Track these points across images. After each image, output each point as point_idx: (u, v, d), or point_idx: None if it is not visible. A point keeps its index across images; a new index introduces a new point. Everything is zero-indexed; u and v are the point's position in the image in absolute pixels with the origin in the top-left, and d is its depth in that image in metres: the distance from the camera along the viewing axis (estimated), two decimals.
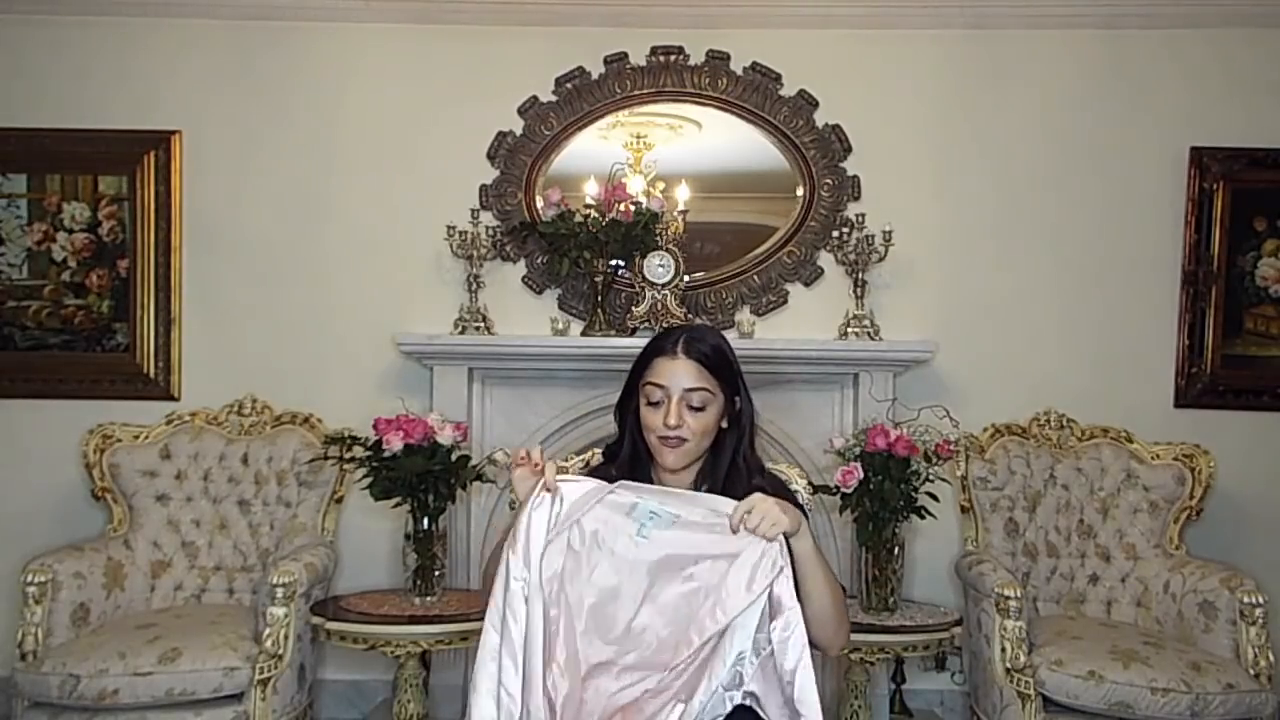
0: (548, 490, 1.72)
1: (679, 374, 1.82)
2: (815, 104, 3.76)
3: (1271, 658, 2.94)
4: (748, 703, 1.62)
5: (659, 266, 3.56)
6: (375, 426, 3.10)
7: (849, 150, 3.76)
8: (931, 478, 3.22)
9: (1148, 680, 2.80)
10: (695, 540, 1.68)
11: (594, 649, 1.66)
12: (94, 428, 3.49)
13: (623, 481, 1.76)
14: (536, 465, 1.75)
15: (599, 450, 2.10)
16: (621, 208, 3.54)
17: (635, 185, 3.67)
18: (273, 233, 3.76)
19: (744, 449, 1.90)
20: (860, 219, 3.64)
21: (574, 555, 1.69)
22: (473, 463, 3.21)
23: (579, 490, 1.74)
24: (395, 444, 3.04)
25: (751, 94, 3.75)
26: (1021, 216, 3.76)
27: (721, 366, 1.85)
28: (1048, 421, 3.60)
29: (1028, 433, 3.59)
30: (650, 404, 1.84)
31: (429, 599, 3.16)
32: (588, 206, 3.58)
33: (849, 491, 3.14)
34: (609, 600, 1.68)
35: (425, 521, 3.15)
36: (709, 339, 1.87)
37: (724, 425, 1.88)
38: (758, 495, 1.69)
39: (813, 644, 1.70)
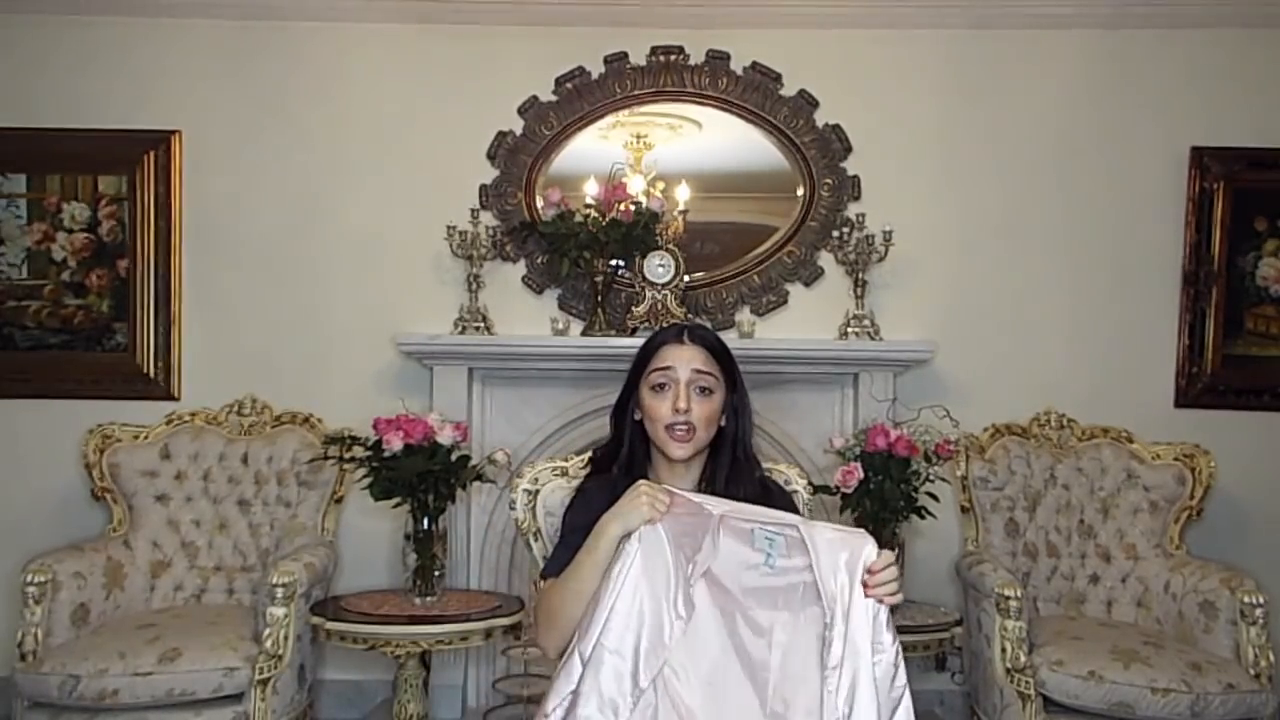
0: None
1: (686, 357, 1.84)
2: (815, 104, 3.75)
3: (1272, 658, 2.93)
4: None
5: (659, 266, 3.56)
6: (375, 426, 3.09)
7: (849, 150, 3.76)
8: (931, 478, 3.22)
9: (1148, 680, 2.80)
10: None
11: None
12: (94, 428, 3.49)
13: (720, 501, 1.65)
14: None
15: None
16: (621, 208, 3.54)
17: (635, 185, 3.67)
18: (273, 233, 3.76)
19: (744, 441, 1.91)
20: (860, 219, 3.64)
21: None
22: (473, 463, 3.20)
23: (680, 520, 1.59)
24: (395, 444, 3.03)
25: (751, 94, 3.75)
26: (1022, 216, 3.76)
27: (723, 355, 1.89)
28: (1048, 421, 3.60)
29: (1028, 433, 3.59)
30: (655, 390, 1.83)
31: (429, 599, 3.15)
32: (588, 206, 3.58)
33: (849, 492, 3.14)
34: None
35: (425, 521, 3.15)
36: (708, 330, 1.93)
37: (722, 423, 1.88)
38: (888, 554, 1.59)
39: None
